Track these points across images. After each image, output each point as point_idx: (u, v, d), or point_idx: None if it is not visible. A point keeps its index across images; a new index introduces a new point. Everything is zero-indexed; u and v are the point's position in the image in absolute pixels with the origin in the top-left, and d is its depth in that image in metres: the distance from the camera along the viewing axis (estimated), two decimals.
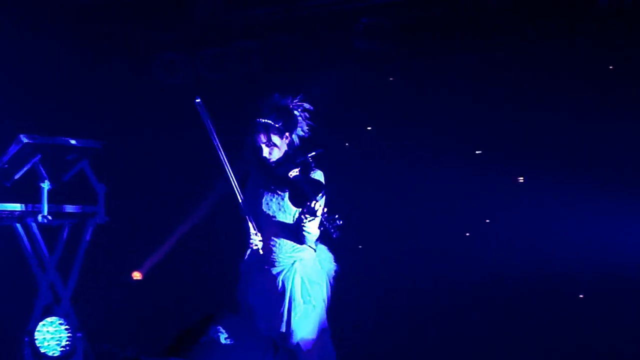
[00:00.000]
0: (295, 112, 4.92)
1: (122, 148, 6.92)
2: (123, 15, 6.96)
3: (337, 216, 4.59)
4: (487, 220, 6.44)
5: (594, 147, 6.08)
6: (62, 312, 6.07)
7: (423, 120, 6.52)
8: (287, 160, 4.83)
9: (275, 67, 6.75)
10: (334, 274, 4.96)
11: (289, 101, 4.92)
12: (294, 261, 4.84)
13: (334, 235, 4.61)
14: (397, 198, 6.64)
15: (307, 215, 4.65)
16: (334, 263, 4.97)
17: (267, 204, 4.84)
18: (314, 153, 4.83)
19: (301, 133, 4.95)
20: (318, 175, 4.82)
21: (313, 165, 4.83)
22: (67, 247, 6.25)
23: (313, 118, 4.95)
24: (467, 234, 6.49)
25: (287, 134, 4.87)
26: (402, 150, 6.60)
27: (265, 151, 4.83)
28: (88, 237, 6.22)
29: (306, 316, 4.76)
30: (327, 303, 4.92)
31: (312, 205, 4.56)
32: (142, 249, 6.97)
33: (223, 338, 4.22)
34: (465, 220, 6.48)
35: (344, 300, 5.16)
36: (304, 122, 4.95)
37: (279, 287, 4.81)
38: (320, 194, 4.67)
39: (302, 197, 4.65)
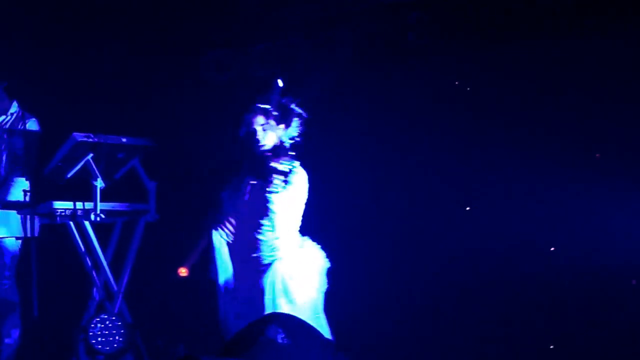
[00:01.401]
0: (294, 112, 4.97)
1: (173, 146, 6.95)
2: (172, 14, 6.99)
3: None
4: (487, 215, 6.40)
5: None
6: (115, 309, 6.13)
7: (421, 117, 6.53)
8: (276, 154, 4.88)
9: (319, 63, 6.76)
10: (325, 270, 4.94)
11: (289, 100, 4.99)
12: (274, 259, 4.83)
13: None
14: (396, 196, 6.65)
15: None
16: (326, 259, 4.96)
17: (252, 195, 4.88)
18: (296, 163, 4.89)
19: (292, 134, 4.97)
20: (294, 177, 4.83)
21: (294, 168, 4.88)
22: (119, 244, 6.33)
23: (305, 125, 5.00)
24: (467, 230, 6.46)
25: (282, 125, 4.91)
26: (402, 147, 6.60)
27: (260, 134, 4.87)
28: (139, 235, 6.29)
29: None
30: (320, 299, 4.89)
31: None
32: (192, 246, 7.02)
33: (280, 338, 4.24)
34: (465, 216, 6.48)
35: (339, 296, 5.14)
36: (297, 126, 4.98)
37: (260, 285, 4.81)
38: None
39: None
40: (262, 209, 4.81)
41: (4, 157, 6.05)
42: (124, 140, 6.17)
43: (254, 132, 4.87)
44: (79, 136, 5.93)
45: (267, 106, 4.90)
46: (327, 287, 4.96)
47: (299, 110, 4.98)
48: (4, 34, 6.79)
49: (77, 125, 6.12)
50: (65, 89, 7.04)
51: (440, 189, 6.54)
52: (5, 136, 6.06)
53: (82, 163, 6.00)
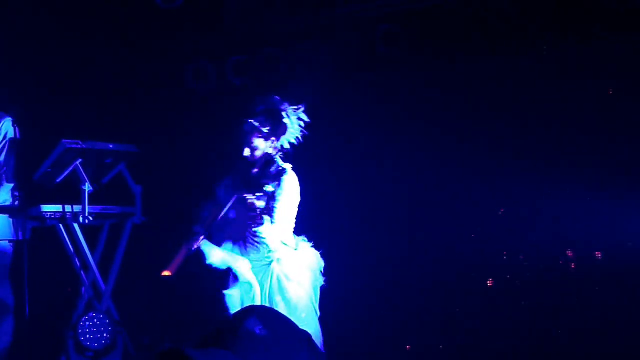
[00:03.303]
0: (288, 119, 4.93)
1: (158, 152, 7.12)
2: (156, 24, 7.14)
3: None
4: (489, 215, 6.48)
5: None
6: (103, 307, 6.30)
7: (424, 123, 6.64)
8: (263, 164, 4.86)
9: (300, 74, 6.85)
10: (321, 269, 4.97)
11: (283, 107, 4.96)
12: (271, 261, 4.89)
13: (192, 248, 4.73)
14: (390, 199, 6.74)
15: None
16: (321, 259, 4.98)
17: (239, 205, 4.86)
18: (287, 166, 4.87)
19: (292, 140, 4.98)
20: (285, 181, 4.83)
21: (285, 171, 4.85)
22: (107, 246, 6.49)
23: (307, 128, 4.97)
24: (470, 233, 6.56)
25: (273, 138, 4.90)
26: (399, 152, 6.69)
27: (246, 151, 4.87)
28: (126, 236, 6.43)
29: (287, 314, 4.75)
30: (315, 297, 4.93)
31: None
32: (177, 247, 7.18)
33: (258, 329, 4.34)
34: (468, 216, 6.55)
35: (335, 296, 5.22)
36: (296, 131, 4.96)
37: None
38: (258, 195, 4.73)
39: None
40: (255, 213, 4.81)
41: None
42: (111, 146, 6.31)
43: (242, 147, 4.89)
44: (68, 143, 6.09)
45: (255, 123, 4.88)
46: (323, 284, 5.00)
47: (293, 119, 4.95)
48: None
49: (66, 132, 6.29)
50: (54, 97, 7.17)
51: (416, 190, 6.65)
52: None
53: (71, 168, 6.16)
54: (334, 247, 5.28)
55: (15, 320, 6.09)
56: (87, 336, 6.16)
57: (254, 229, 4.79)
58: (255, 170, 4.91)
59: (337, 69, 6.66)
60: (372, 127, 6.73)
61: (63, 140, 6.10)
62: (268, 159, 4.91)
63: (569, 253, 6.23)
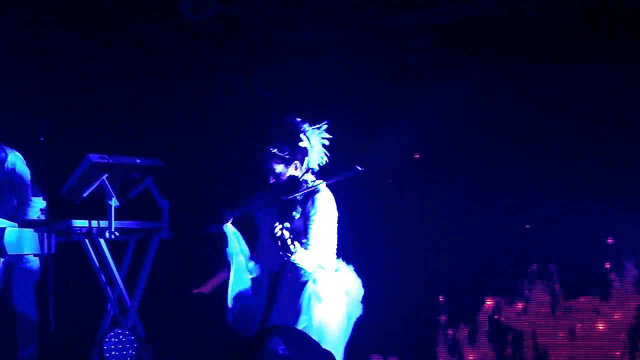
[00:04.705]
0: (307, 141, 4.66)
1: (185, 166, 7.09)
2: (184, 37, 7.12)
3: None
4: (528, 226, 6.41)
5: None
6: (129, 324, 6.28)
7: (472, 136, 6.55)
8: (290, 187, 4.62)
9: (328, 85, 6.79)
10: (359, 297, 4.67)
11: (301, 128, 4.68)
12: (307, 280, 4.62)
13: None
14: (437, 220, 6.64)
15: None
16: (361, 287, 4.68)
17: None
18: (311, 187, 4.59)
19: (319, 160, 4.69)
20: (319, 199, 4.57)
21: (317, 190, 4.58)
22: (134, 261, 6.48)
23: (331, 148, 4.69)
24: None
25: (296, 162, 4.65)
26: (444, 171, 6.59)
27: (270, 179, 4.66)
28: (153, 252, 6.43)
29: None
30: (345, 327, 4.65)
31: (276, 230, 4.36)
32: (204, 263, 7.13)
33: (281, 349, 4.28)
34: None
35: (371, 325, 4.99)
36: (321, 151, 4.69)
37: (296, 305, 4.63)
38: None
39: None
40: (286, 244, 4.44)
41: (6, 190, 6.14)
42: (137, 161, 6.33)
43: (268, 173, 4.64)
44: (94, 157, 6.10)
45: (274, 150, 4.58)
46: (361, 315, 4.71)
47: (314, 138, 4.68)
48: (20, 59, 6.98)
49: (92, 146, 6.31)
50: (81, 112, 7.20)
51: (455, 208, 6.55)
52: None
53: (97, 183, 6.17)
54: (374, 273, 5.06)
55: (40, 335, 6.09)
56: (112, 353, 6.14)
57: (290, 259, 4.48)
58: (284, 195, 4.64)
59: (367, 82, 6.60)
60: (403, 142, 6.62)
61: (89, 155, 6.12)
62: (294, 181, 4.66)
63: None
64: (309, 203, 4.61)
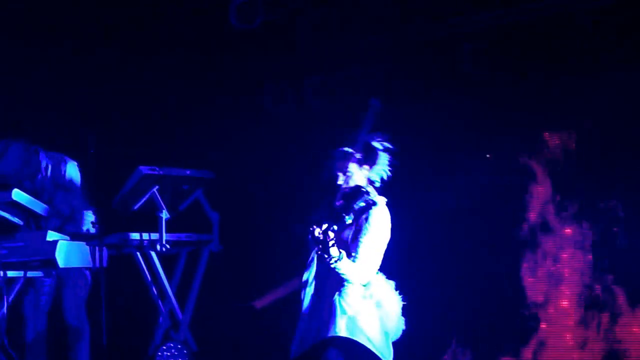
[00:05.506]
0: (379, 150, 4.62)
1: (235, 177, 7.02)
2: (232, 46, 7.11)
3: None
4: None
5: None
6: (181, 337, 6.26)
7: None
8: (350, 195, 4.51)
9: (379, 95, 6.67)
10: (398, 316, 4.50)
11: (373, 137, 4.64)
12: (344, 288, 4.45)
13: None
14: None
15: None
16: (399, 302, 4.52)
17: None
18: (381, 199, 4.53)
19: (382, 173, 4.63)
20: (374, 214, 4.46)
21: (375, 204, 4.48)
22: (184, 274, 6.46)
23: (395, 161, 4.62)
24: None
25: (366, 166, 4.61)
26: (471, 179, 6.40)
27: (341, 178, 4.56)
28: (204, 264, 6.41)
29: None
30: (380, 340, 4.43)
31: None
32: (255, 276, 7.07)
33: None
34: None
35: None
36: (385, 164, 4.63)
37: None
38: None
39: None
40: (326, 245, 4.32)
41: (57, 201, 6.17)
42: (187, 172, 6.32)
43: (336, 177, 4.55)
44: (145, 169, 6.10)
45: (349, 149, 4.57)
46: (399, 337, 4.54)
47: (384, 147, 4.62)
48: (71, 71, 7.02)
49: (143, 158, 6.30)
50: (131, 123, 7.22)
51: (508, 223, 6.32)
52: (50, 189, 6.17)
53: (148, 195, 6.17)
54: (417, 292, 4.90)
55: (92, 349, 6.12)
56: None
57: (332, 265, 4.37)
58: (340, 202, 4.56)
59: (420, 90, 6.48)
60: (457, 151, 6.46)
61: (140, 167, 6.09)
62: (357, 189, 4.55)
63: None
64: (364, 215, 4.50)
